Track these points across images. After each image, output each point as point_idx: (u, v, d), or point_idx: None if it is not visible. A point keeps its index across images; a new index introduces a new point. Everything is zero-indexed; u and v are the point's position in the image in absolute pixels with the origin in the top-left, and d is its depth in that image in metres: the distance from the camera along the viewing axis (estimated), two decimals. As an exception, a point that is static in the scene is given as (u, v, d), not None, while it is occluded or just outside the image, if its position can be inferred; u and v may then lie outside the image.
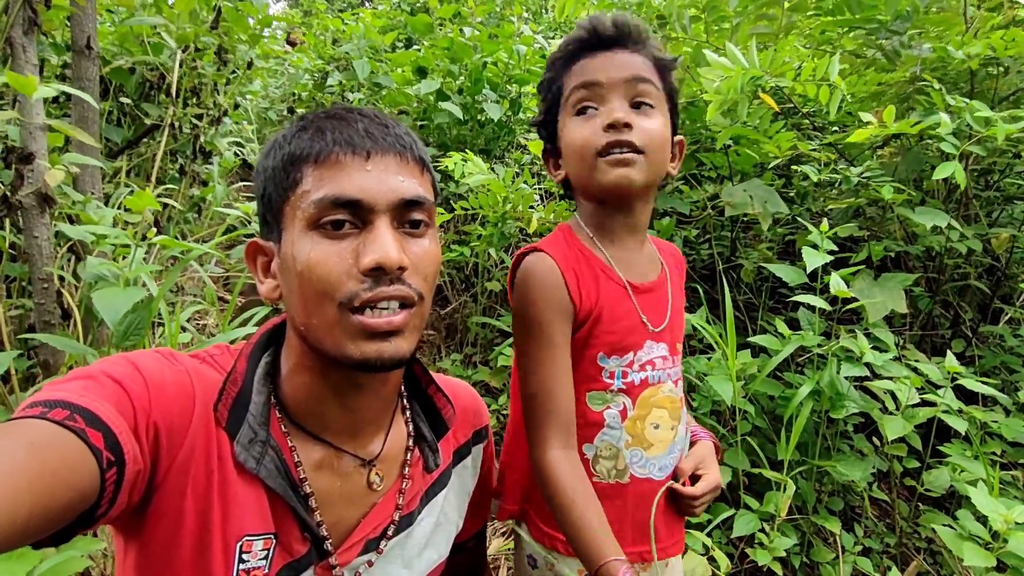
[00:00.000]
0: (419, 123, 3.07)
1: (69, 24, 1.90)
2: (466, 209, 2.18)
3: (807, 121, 2.25)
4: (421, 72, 3.02)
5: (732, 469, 1.56)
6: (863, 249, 1.84)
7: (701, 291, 2.01)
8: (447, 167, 2.11)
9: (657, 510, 0.92)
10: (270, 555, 0.62)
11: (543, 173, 2.40)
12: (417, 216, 0.62)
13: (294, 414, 0.66)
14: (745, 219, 2.30)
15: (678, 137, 0.96)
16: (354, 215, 0.59)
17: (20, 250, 1.69)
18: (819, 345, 1.56)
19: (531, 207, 2.24)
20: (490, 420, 0.93)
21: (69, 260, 1.66)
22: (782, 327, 1.61)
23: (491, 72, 2.99)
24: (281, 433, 0.64)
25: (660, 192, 2.23)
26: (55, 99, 2.48)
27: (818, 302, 1.50)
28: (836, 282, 1.47)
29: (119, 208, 1.81)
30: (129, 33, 2.41)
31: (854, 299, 1.55)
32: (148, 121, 2.57)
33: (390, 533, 0.70)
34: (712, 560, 1.41)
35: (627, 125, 0.84)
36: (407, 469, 0.73)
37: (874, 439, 1.79)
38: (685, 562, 1.39)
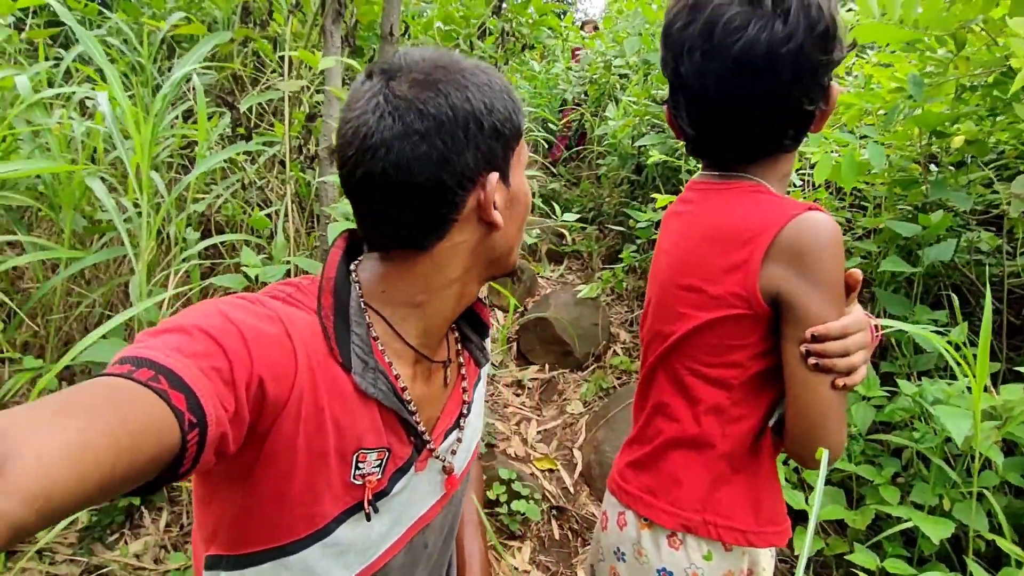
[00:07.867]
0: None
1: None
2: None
3: None
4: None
5: (957, 524, 1.23)
6: None
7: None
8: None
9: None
10: (383, 464, 0.69)
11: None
12: None
13: (385, 336, 0.71)
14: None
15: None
16: None
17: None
18: None
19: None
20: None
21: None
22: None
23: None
24: (379, 353, 0.70)
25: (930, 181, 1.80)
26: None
27: None
28: None
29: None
30: (431, 21, 2.86)
31: None
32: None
33: (462, 424, 0.80)
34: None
35: None
36: (463, 368, 0.82)
37: None
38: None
